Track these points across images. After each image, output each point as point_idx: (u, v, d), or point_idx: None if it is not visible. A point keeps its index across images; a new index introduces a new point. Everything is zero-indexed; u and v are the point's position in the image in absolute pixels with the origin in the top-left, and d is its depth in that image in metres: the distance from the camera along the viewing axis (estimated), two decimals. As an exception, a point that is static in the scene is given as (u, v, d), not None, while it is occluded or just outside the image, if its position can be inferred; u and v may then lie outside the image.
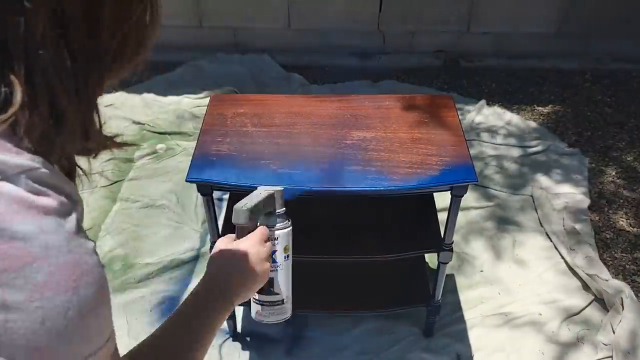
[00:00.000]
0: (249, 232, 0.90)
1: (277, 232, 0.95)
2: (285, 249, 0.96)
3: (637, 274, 1.94)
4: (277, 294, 0.96)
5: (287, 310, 0.98)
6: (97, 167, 2.12)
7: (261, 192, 0.96)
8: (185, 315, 0.78)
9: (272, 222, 0.95)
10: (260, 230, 0.91)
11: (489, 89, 2.89)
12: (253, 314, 0.97)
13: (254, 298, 0.95)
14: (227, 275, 0.85)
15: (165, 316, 1.82)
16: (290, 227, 0.97)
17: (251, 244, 0.88)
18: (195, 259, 2.01)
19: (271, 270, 0.93)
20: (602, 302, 1.83)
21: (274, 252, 0.94)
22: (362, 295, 1.70)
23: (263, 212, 0.95)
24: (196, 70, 2.96)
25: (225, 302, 0.83)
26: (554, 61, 3.02)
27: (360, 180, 1.29)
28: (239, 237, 0.90)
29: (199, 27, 3.06)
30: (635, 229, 2.10)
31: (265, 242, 0.91)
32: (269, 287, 0.95)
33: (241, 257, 0.87)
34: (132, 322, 1.80)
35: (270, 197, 0.97)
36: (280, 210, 0.97)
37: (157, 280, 1.94)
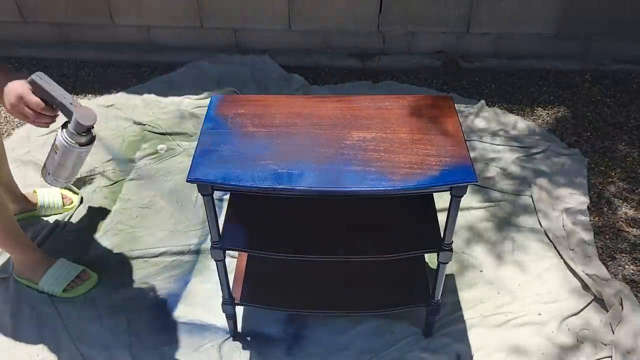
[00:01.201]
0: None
1: (59, 131, 1.33)
2: (55, 147, 1.32)
3: (636, 274, 1.95)
4: (47, 158, 1.36)
5: (47, 177, 1.38)
6: (98, 167, 2.24)
7: (63, 98, 1.30)
8: None
9: (63, 128, 1.32)
10: (29, 97, 1.29)
11: (489, 90, 2.89)
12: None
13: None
14: None
15: (165, 313, 1.83)
16: (67, 145, 1.31)
17: (16, 87, 1.29)
18: (195, 258, 2.02)
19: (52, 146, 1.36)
20: (602, 302, 1.84)
21: (55, 137, 1.33)
22: (361, 295, 1.71)
23: (51, 104, 1.30)
24: (197, 71, 2.97)
25: None
26: (554, 62, 3.02)
27: (360, 180, 1.29)
28: None
29: (200, 28, 3.07)
30: (634, 229, 2.11)
31: (25, 103, 1.29)
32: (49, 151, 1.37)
33: (9, 87, 1.30)
34: (132, 319, 1.81)
35: (66, 110, 1.29)
36: (73, 129, 1.30)
37: (156, 279, 1.94)
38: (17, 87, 1.29)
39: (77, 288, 1.88)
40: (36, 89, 1.29)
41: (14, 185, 2.07)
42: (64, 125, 1.32)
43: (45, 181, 1.37)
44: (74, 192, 2.26)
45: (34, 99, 1.29)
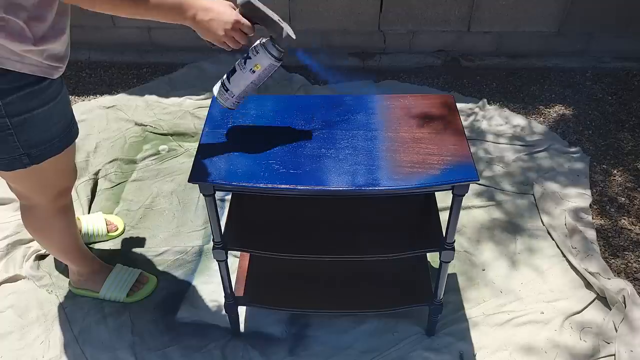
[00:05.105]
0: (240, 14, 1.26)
1: (260, 49, 1.29)
2: (256, 66, 1.30)
3: (639, 272, 1.94)
4: (230, 83, 1.33)
5: (228, 101, 1.34)
6: (101, 169, 2.23)
7: (274, 15, 1.27)
8: None
9: (268, 46, 1.28)
10: (243, 20, 1.25)
11: (490, 88, 2.89)
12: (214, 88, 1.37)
13: (222, 80, 1.36)
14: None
15: (168, 314, 1.84)
16: (272, 62, 1.30)
17: (231, 12, 1.25)
18: (198, 259, 2.02)
19: (238, 64, 1.32)
20: (605, 300, 1.84)
21: (247, 58, 1.31)
22: (364, 294, 1.71)
23: (260, 22, 1.27)
24: (198, 72, 2.97)
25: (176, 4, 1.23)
26: (555, 60, 3.02)
27: (362, 179, 1.29)
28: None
29: (201, 28, 3.07)
30: (637, 227, 2.11)
31: (239, 27, 1.25)
32: (229, 76, 1.33)
33: (218, 5, 1.25)
34: (135, 320, 1.81)
35: (277, 26, 1.26)
36: (278, 45, 1.28)
37: (159, 280, 1.95)
38: (231, 12, 1.25)
39: (140, 292, 1.87)
40: (247, 10, 1.26)
41: None
42: (264, 43, 1.29)
43: (221, 101, 1.34)
44: (118, 219, 2.15)
45: (248, 23, 1.26)
